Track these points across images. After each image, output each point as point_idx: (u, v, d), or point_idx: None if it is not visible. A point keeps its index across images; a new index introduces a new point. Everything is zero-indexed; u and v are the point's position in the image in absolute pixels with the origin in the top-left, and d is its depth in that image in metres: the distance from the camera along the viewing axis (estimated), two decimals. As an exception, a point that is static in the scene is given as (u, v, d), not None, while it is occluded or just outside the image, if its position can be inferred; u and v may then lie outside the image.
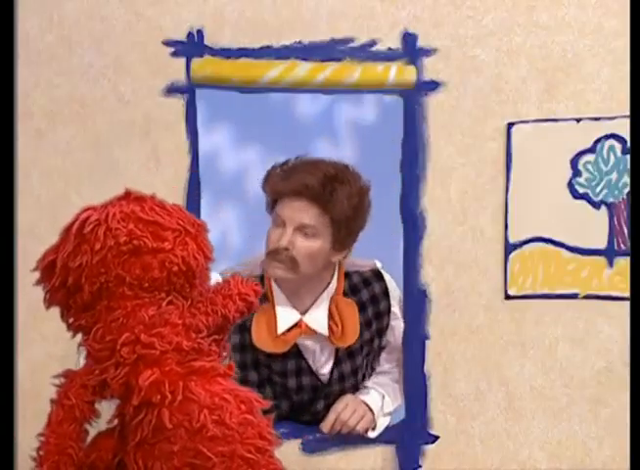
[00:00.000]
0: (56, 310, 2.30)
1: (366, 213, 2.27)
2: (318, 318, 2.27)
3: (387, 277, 2.40)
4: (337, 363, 2.32)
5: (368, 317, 2.35)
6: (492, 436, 2.31)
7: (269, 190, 2.26)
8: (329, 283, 2.31)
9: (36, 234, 2.29)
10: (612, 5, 2.27)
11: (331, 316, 2.27)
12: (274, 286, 2.26)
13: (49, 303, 1.49)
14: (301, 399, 2.31)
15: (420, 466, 2.31)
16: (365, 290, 2.36)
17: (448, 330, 2.30)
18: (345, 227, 2.22)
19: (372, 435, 2.28)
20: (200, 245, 1.46)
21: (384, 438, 2.32)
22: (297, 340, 2.25)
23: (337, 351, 2.31)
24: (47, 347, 2.29)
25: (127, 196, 1.49)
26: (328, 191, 2.18)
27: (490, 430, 2.31)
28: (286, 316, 2.24)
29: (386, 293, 2.39)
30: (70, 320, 1.47)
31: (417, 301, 2.30)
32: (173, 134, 2.28)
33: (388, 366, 2.41)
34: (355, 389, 2.35)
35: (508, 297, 2.30)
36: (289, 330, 2.24)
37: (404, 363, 2.32)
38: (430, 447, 2.31)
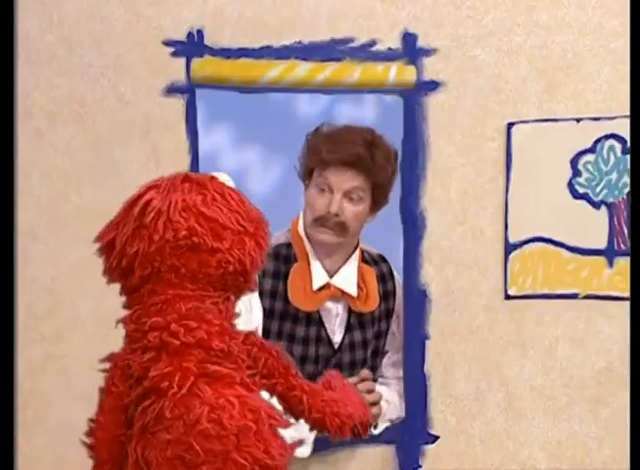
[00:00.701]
0: (56, 310, 2.31)
1: (396, 175, 2.36)
2: (347, 279, 2.36)
3: (389, 262, 2.50)
4: (348, 330, 2.37)
5: (378, 292, 2.43)
6: (492, 436, 2.31)
7: (314, 160, 2.32)
8: (356, 247, 2.41)
9: (36, 234, 2.29)
10: (612, 5, 2.27)
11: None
12: (308, 247, 2.34)
13: (107, 279, 1.47)
14: (316, 369, 2.33)
15: (420, 466, 2.31)
16: (375, 267, 2.45)
17: (448, 330, 2.30)
18: (383, 190, 2.35)
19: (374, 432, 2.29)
20: (257, 242, 1.45)
21: (384, 438, 2.32)
22: (324, 302, 2.34)
23: (348, 319, 2.37)
24: (47, 347, 2.29)
25: (189, 179, 1.45)
26: (370, 157, 2.29)
27: (490, 430, 2.31)
28: (320, 274, 2.33)
29: (391, 274, 2.49)
30: (123, 299, 1.46)
31: (417, 301, 2.30)
32: (173, 134, 2.28)
33: (392, 374, 2.42)
34: (364, 364, 2.38)
35: (508, 297, 2.30)
36: (320, 289, 2.32)
37: (404, 363, 2.32)
38: (430, 447, 2.31)
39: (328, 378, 1.56)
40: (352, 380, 2.24)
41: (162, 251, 1.38)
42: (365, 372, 2.31)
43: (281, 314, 2.32)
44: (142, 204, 1.41)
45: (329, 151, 2.29)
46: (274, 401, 1.46)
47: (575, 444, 2.30)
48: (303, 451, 2.21)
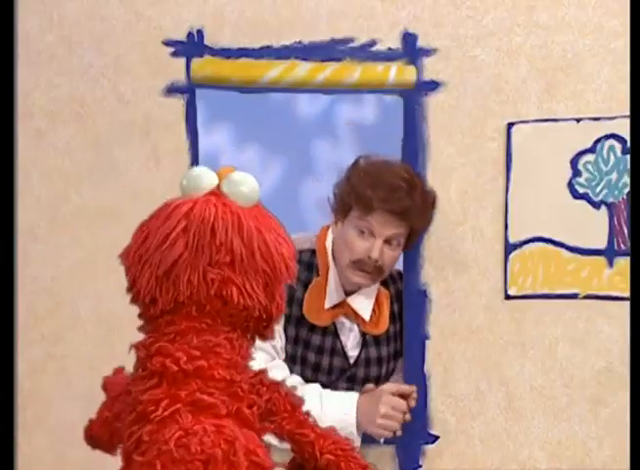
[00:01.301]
0: (56, 310, 2.31)
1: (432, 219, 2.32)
2: (363, 303, 2.32)
3: None
4: (364, 346, 2.35)
5: (393, 312, 2.38)
6: (492, 436, 2.31)
7: (359, 204, 2.22)
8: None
9: (36, 234, 2.29)
10: (612, 5, 2.27)
11: None
12: (331, 264, 2.31)
13: (130, 302, 1.42)
14: (329, 379, 2.32)
15: (420, 466, 2.31)
16: (392, 286, 2.40)
17: (448, 330, 2.31)
18: (418, 234, 2.29)
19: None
20: (283, 292, 1.42)
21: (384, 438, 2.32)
22: (336, 319, 2.31)
23: (364, 335, 2.35)
24: (47, 347, 2.29)
25: (218, 244, 1.37)
26: (416, 206, 2.21)
27: (490, 430, 2.31)
28: (334, 294, 2.30)
29: None
30: (142, 327, 1.44)
31: (417, 301, 2.30)
32: (173, 134, 2.28)
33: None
34: (377, 381, 2.37)
35: (508, 297, 2.30)
36: (333, 307, 2.29)
37: (404, 363, 2.32)
38: (430, 447, 2.31)
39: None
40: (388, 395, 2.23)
41: (190, 298, 1.36)
42: (370, 386, 2.28)
43: (297, 320, 2.30)
44: (172, 258, 1.35)
45: (380, 200, 2.18)
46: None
47: (575, 444, 2.31)
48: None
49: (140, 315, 1.40)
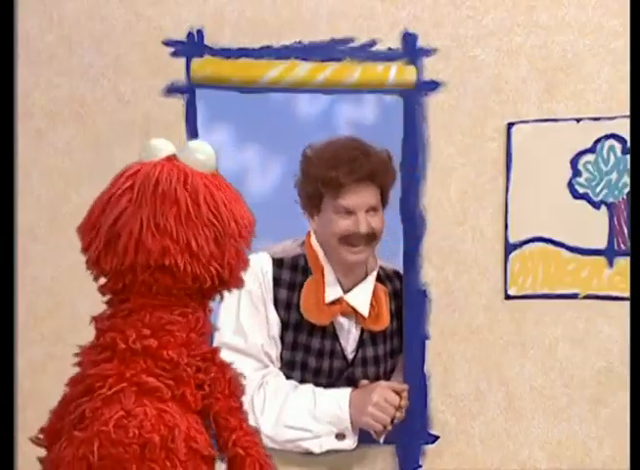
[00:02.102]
0: (56, 310, 2.31)
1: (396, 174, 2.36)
2: (360, 298, 2.33)
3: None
4: (360, 345, 2.36)
5: (392, 310, 2.40)
6: (492, 436, 2.31)
7: (329, 186, 2.25)
8: (373, 268, 2.38)
9: (36, 234, 2.29)
10: (612, 5, 2.27)
11: None
12: (323, 261, 2.32)
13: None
14: (328, 381, 2.33)
15: (420, 466, 2.31)
16: (389, 284, 2.42)
17: (448, 330, 2.30)
18: (387, 192, 2.33)
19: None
20: (237, 250, 1.39)
21: (384, 438, 2.31)
22: (335, 317, 2.32)
23: (361, 334, 2.36)
24: (47, 347, 2.29)
25: (159, 187, 1.36)
26: (377, 167, 2.27)
27: (490, 430, 2.31)
28: (333, 289, 2.31)
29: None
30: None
31: (417, 301, 2.30)
32: (173, 134, 2.28)
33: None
34: (376, 380, 2.37)
35: (508, 297, 2.30)
36: (332, 303, 2.30)
37: (404, 363, 2.32)
38: (430, 447, 2.31)
39: None
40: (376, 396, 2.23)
41: (135, 270, 1.35)
42: (365, 382, 2.28)
43: (295, 325, 2.31)
44: (116, 213, 1.35)
45: (346, 174, 2.22)
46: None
47: (575, 444, 2.30)
48: (348, 444, 2.24)
49: (100, 290, 1.40)
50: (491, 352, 2.31)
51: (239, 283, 1.43)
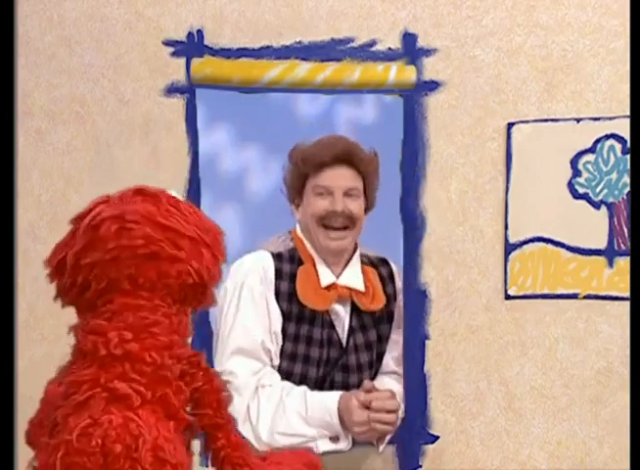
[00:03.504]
0: (56, 310, 2.31)
1: (379, 177, 2.46)
2: (353, 277, 2.40)
3: (393, 265, 2.53)
4: (351, 332, 2.39)
5: (387, 293, 2.46)
6: (492, 436, 2.31)
7: (308, 166, 2.36)
8: (356, 249, 2.45)
9: (36, 234, 2.29)
10: (612, 5, 2.27)
11: None
12: (312, 250, 2.39)
13: (62, 302, 1.43)
14: (325, 371, 2.34)
15: (420, 466, 2.31)
16: (382, 268, 2.49)
17: (448, 330, 2.31)
18: (371, 187, 2.41)
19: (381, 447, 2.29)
20: (214, 255, 1.40)
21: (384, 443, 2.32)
22: (333, 302, 2.36)
23: (350, 321, 2.39)
24: (47, 347, 2.29)
25: (141, 192, 1.43)
26: (358, 151, 2.37)
27: (490, 430, 2.31)
28: (326, 274, 2.38)
29: (392, 277, 2.50)
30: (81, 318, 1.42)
31: (417, 301, 2.30)
32: (173, 134, 2.28)
33: (393, 366, 2.43)
34: (370, 366, 2.40)
35: (508, 297, 2.30)
36: (327, 289, 2.35)
37: (404, 363, 2.32)
38: (430, 447, 2.31)
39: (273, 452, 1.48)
40: (365, 396, 2.21)
41: (119, 260, 1.33)
42: (369, 384, 2.27)
43: (297, 317, 2.33)
44: (92, 216, 1.35)
45: (329, 153, 2.34)
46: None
47: (575, 444, 2.30)
48: (343, 446, 2.24)
49: (78, 310, 1.38)
50: (491, 352, 2.31)
51: (213, 288, 1.43)
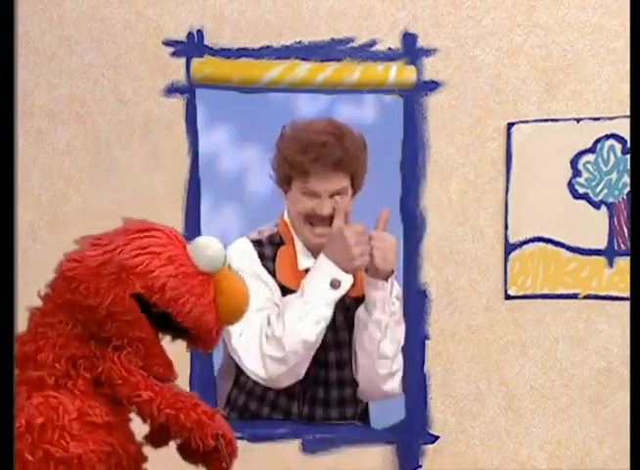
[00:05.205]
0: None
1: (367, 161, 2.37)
2: None
3: None
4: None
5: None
6: (492, 436, 2.31)
7: (295, 171, 2.30)
8: None
9: (36, 234, 2.29)
10: (612, 5, 2.27)
11: None
12: (293, 231, 2.36)
13: None
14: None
15: (420, 466, 2.31)
16: None
17: (448, 330, 2.30)
18: (359, 176, 2.34)
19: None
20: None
21: (384, 438, 2.32)
22: None
23: None
24: (47, 347, 2.29)
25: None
26: (347, 155, 2.28)
27: (490, 430, 2.31)
28: (304, 257, 2.35)
29: None
30: None
31: (417, 301, 2.30)
32: (173, 134, 2.28)
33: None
34: (350, 344, 2.36)
35: (508, 297, 2.30)
36: (306, 271, 2.32)
37: (404, 363, 2.32)
38: (430, 447, 2.31)
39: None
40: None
41: None
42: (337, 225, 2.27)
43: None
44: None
45: (311, 161, 2.26)
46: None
47: (575, 444, 2.30)
48: (345, 285, 2.25)
49: None
50: (491, 352, 2.31)
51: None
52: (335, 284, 2.23)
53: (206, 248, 1.45)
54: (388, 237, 2.28)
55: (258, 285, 2.29)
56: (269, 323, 2.24)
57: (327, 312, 2.23)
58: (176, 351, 1.51)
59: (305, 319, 2.22)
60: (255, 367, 2.24)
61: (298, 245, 2.36)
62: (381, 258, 2.25)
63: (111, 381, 1.42)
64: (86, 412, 1.35)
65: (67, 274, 1.49)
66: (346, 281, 2.25)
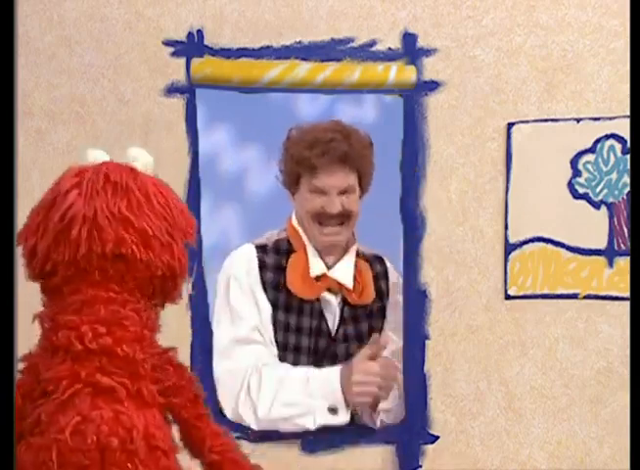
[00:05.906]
0: (56, 310, 2.31)
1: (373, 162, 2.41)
2: (344, 272, 2.39)
3: (388, 263, 2.51)
4: (342, 323, 2.39)
5: (379, 289, 2.45)
6: (492, 436, 2.31)
7: (302, 168, 2.32)
8: (353, 243, 2.44)
9: (36, 234, 2.29)
10: (612, 5, 2.27)
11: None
12: (305, 238, 2.38)
13: (28, 278, 1.46)
14: (315, 359, 2.35)
15: (420, 466, 2.31)
16: (371, 266, 2.47)
17: (448, 330, 2.30)
18: (366, 175, 2.38)
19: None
20: (185, 246, 1.42)
21: (384, 438, 2.32)
22: (321, 293, 2.36)
23: (342, 311, 2.39)
24: (47, 347, 2.29)
25: (110, 180, 1.40)
26: (354, 151, 2.32)
27: (490, 430, 2.31)
28: (316, 264, 2.37)
29: (385, 274, 2.50)
30: (43, 301, 1.43)
31: (417, 301, 2.30)
32: (173, 134, 2.28)
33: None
34: None
35: (508, 297, 2.30)
36: (317, 279, 2.35)
37: (404, 363, 2.32)
38: (430, 447, 2.31)
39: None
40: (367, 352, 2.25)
41: (90, 258, 1.35)
42: (377, 337, 2.30)
43: (286, 306, 2.34)
44: (64, 209, 1.36)
45: (318, 156, 2.29)
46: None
47: (575, 444, 2.30)
48: (341, 419, 2.25)
49: (42, 289, 1.39)
50: (491, 352, 2.31)
51: (183, 281, 1.44)
52: (332, 410, 2.24)
53: (136, 159, 1.49)
54: (398, 375, 2.29)
55: (249, 306, 2.30)
56: (249, 390, 2.24)
57: (308, 421, 2.23)
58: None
59: (283, 406, 2.23)
60: (228, 408, 2.26)
61: (310, 250, 2.37)
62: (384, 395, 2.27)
63: (176, 397, 1.40)
64: (152, 434, 1.31)
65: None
66: (343, 416, 2.24)
